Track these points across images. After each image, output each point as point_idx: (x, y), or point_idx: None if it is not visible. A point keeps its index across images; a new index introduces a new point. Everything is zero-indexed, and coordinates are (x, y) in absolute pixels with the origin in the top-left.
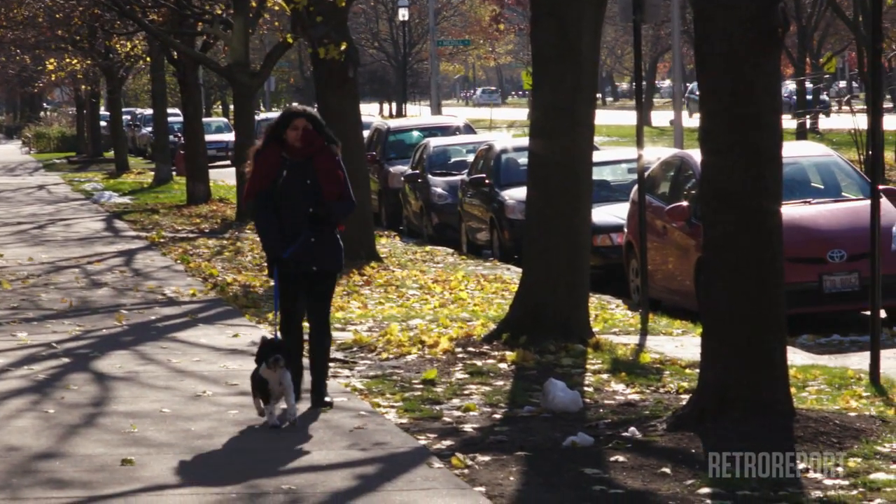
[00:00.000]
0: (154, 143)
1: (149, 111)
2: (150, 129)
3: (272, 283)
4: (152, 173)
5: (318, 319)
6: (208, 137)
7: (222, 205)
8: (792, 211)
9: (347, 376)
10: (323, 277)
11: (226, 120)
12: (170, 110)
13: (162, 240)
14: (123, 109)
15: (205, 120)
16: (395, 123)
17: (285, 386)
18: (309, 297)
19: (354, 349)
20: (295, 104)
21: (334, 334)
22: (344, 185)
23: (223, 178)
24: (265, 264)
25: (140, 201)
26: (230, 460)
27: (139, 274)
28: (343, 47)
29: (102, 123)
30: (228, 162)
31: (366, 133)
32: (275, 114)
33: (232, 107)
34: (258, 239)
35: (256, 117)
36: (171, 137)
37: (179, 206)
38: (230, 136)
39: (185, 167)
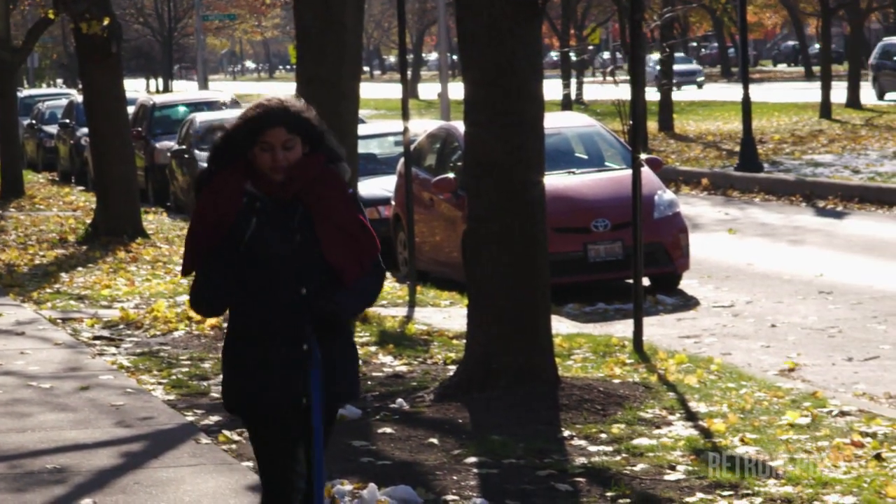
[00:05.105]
0: None
1: None
2: None
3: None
4: None
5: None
6: None
7: None
8: (556, 181)
9: (114, 354)
10: (334, 410)
11: None
12: None
13: None
14: None
15: None
16: (160, 99)
17: None
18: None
19: (121, 326)
20: (265, 98)
21: (100, 311)
22: (366, 239)
23: None
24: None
25: None
26: None
27: None
28: (106, 22)
29: None
30: None
31: (131, 109)
32: (39, 91)
33: None
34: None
35: (19, 94)
36: None
37: None
38: None
39: None
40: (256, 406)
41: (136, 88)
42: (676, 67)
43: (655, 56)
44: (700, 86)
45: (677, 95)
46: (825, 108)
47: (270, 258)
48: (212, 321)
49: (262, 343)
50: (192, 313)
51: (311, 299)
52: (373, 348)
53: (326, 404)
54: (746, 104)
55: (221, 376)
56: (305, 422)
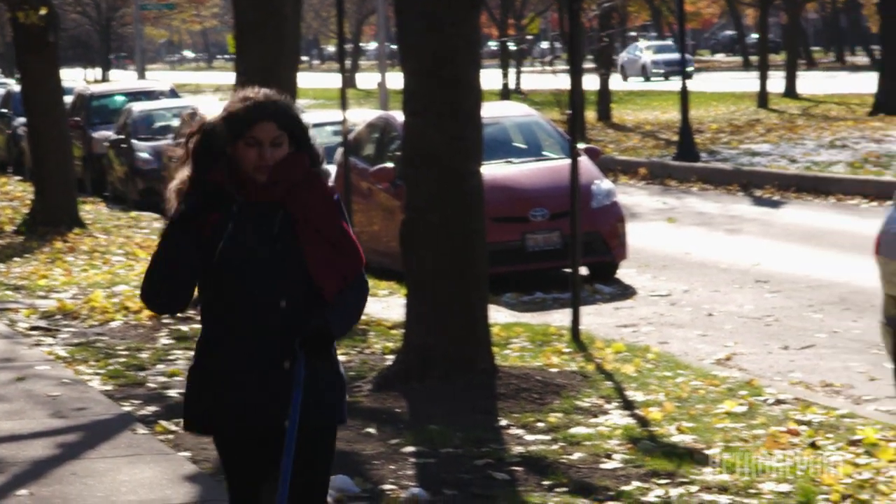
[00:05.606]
0: None
1: None
2: None
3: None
4: None
5: None
6: None
7: None
8: (494, 171)
9: (51, 344)
10: (313, 436)
11: None
12: None
13: None
14: None
15: None
16: (98, 88)
17: None
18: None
19: (58, 317)
20: (250, 91)
21: (37, 302)
22: (350, 249)
23: None
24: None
25: None
26: None
27: None
28: (43, 12)
29: None
30: None
31: (69, 99)
32: None
33: None
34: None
35: None
36: None
37: None
38: None
39: None
40: (226, 428)
41: (74, 78)
42: (664, 57)
43: (643, 44)
44: (689, 76)
45: (625, 85)
46: (762, 98)
47: (248, 267)
48: (149, 312)
49: (238, 359)
50: (130, 303)
51: (294, 314)
52: None
53: (308, 431)
54: (684, 94)
55: (185, 393)
56: (281, 447)
